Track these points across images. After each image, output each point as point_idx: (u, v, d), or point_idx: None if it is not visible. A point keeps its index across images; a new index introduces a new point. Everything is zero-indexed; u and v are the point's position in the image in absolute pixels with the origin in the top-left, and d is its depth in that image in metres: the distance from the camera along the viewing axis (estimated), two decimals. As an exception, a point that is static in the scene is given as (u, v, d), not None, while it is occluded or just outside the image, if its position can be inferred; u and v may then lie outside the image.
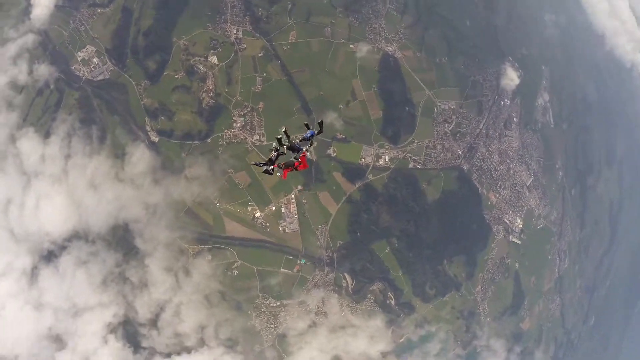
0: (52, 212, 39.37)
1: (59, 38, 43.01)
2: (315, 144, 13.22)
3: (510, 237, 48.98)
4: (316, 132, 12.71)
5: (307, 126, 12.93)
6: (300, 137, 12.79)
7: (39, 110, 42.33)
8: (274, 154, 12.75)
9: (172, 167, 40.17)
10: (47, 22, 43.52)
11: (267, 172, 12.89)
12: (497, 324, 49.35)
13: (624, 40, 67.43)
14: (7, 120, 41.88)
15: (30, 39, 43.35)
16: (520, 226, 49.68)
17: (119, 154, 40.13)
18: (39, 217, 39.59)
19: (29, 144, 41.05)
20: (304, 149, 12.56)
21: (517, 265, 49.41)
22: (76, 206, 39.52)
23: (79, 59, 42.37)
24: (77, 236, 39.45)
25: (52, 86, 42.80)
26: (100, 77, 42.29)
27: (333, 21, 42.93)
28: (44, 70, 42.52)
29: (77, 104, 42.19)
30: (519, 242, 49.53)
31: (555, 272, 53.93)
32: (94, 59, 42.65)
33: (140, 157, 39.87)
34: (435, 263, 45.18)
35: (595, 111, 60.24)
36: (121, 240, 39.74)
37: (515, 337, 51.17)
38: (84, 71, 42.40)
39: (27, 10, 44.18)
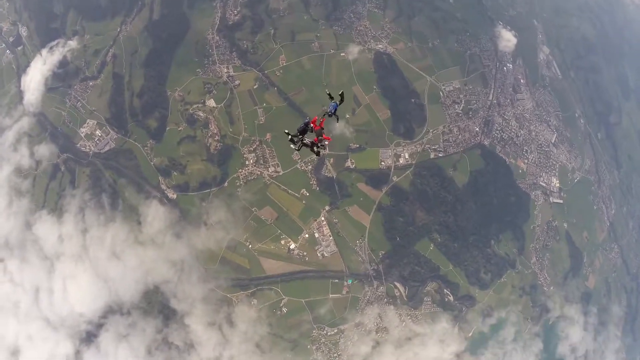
0: (80, 291, 39.30)
1: (58, 119, 44.00)
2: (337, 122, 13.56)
3: (551, 198, 46.70)
4: (339, 102, 13.05)
5: (330, 96, 13.23)
6: (326, 110, 13.06)
7: (55, 194, 42.80)
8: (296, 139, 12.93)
9: (194, 219, 39.60)
10: (40, 105, 44.66)
11: (304, 144, 12.99)
12: (562, 290, 46.71)
13: (606, -30, 65.44)
14: (19, 208, 42.60)
15: (25, 122, 44.49)
16: (558, 185, 47.37)
17: (133, 217, 39.89)
18: (69, 300, 39.55)
19: (45, 227, 41.47)
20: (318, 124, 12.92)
21: (565, 225, 47.02)
22: (103, 280, 39.30)
23: (82, 135, 43.15)
24: (112, 311, 39.07)
25: (62, 168, 43.52)
26: (107, 148, 42.83)
27: (318, 34, 42.66)
28: (44, 150, 43.37)
29: (90, 180, 42.51)
30: (561, 201, 47.19)
31: (605, 220, 51.08)
32: (97, 132, 43.29)
33: (155, 215, 39.43)
34: (483, 247, 43.02)
35: (598, 49, 58.11)
36: (156, 305, 39.02)
37: (585, 298, 48.28)
38: (89, 146, 43.04)
39: (17, 95, 45.57)
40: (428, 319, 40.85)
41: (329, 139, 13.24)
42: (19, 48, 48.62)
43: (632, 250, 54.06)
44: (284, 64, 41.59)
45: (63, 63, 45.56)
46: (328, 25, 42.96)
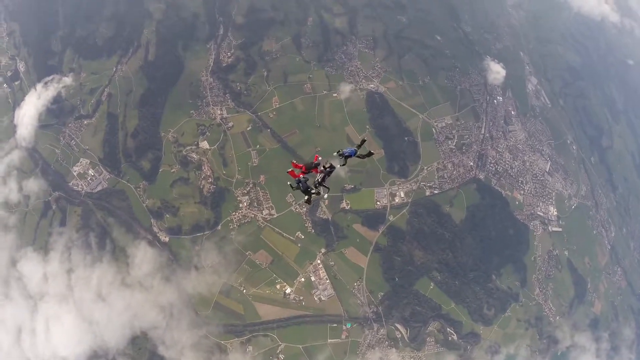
0: (64, 334, 37.58)
1: (52, 157, 43.63)
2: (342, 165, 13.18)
3: (550, 227, 46.28)
4: (359, 154, 12.50)
5: (360, 143, 12.63)
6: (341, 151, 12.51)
7: (46, 233, 41.66)
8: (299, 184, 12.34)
9: (185, 262, 38.52)
10: (33, 140, 44.35)
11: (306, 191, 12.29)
12: (570, 319, 45.50)
13: (587, -4, 68.20)
14: (5, 243, 41.20)
15: (16, 155, 44.00)
16: (556, 213, 47.13)
17: (121, 259, 38.68)
18: (52, 342, 37.67)
19: (30, 265, 40.19)
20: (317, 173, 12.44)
21: (566, 253, 46.47)
22: (88, 323, 37.65)
23: (75, 173, 42.69)
24: (96, 356, 37.16)
25: (54, 206, 42.64)
26: (99, 188, 42.24)
27: (310, 76, 43.32)
28: (33, 185, 42.65)
29: (81, 219, 41.54)
30: (560, 229, 46.80)
31: (606, 244, 50.58)
32: (90, 171, 42.83)
33: (144, 258, 38.23)
34: (485, 282, 42.04)
35: (584, 75, 59.59)
36: (144, 352, 37.19)
37: (593, 324, 46.99)
38: (82, 185, 42.45)
39: (10, 129, 45.20)
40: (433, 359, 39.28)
41: (316, 157, 12.75)
42: (16, 82, 48.90)
43: (635, 271, 53.28)
44: (277, 106, 41.94)
45: (57, 99, 45.72)
46: (320, 67, 43.76)
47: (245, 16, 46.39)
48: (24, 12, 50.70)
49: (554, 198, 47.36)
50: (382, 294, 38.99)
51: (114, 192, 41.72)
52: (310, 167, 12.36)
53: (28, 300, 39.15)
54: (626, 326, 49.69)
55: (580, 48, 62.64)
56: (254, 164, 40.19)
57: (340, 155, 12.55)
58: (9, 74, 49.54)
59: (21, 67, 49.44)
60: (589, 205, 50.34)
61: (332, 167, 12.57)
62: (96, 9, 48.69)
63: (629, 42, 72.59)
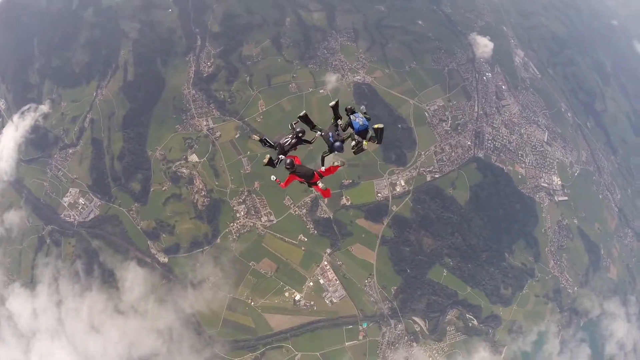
0: None
1: (40, 191, 42.40)
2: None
3: (556, 197, 45.30)
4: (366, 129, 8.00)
5: (349, 111, 7.66)
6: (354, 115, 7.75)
7: (44, 268, 40.25)
8: (289, 139, 8.12)
9: (187, 281, 36.87)
10: (15, 173, 43.33)
11: (270, 164, 8.27)
12: (588, 288, 44.21)
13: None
14: None
15: None
16: (560, 182, 46.18)
17: (112, 283, 37.11)
18: None
19: (18, 302, 38.74)
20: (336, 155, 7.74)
21: (575, 221, 45.39)
22: (83, 358, 35.98)
23: (65, 204, 41.42)
24: None
25: (48, 240, 41.30)
26: (92, 216, 40.96)
27: (294, 75, 42.34)
28: (13, 216, 41.29)
29: (75, 250, 40.21)
30: (566, 197, 45.80)
31: (613, 207, 49.65)
32: (80, 200, 41.64)
33: (138, 281, 36.59)
34: (498, 261, 40.82)
35: (570, 43, 59.22)
36: None
37: (615, 289, 45.77)
38: (73, 215, 41.16)
39: None
40: (463, 351, 37.79)
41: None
42: (-3, 121, 47.92)
43: (647, 231, 52.51)
44: (264, 109, 40.88)
45: (35, 128, 44.46)
46: (303, 65, 42.80)
47: (221, 24, 45.58)
48: (-2, 49, 49.93)
49: (556, 167, 46.48)
50: (395, 287, 37.70)
51: (106, 218, 40.42)
52: (307, 176, 8.64)
53: (20, 340, 37.74)
54: (647, 288, 48.90)
55: (563, 17, 62.26)
56: (247, 171, 39.00)
57: (348, 115, 7.98)
58: (-10, 112, 48.67)
59: (1, 104, 48.52)
60: (592, 171, 49.56)
61: (301, 132, 8.78)
62: (70, 36, 47.87)
63: (611, 2, 72.52)
